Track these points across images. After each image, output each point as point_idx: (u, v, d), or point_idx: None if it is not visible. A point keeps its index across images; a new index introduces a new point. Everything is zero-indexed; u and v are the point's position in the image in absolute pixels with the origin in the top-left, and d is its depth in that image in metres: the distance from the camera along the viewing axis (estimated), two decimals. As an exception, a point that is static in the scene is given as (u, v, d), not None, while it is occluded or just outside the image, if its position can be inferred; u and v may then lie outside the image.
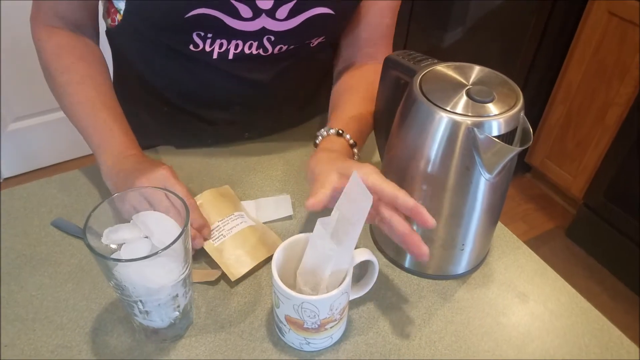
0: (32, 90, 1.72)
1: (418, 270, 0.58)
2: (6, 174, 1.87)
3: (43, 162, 1.92)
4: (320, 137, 0.59)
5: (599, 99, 1.59)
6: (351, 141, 0.59)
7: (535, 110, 1.78)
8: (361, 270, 0.52)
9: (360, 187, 0.44)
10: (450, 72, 0.51)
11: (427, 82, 0.50)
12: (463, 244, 0.55)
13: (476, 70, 0.51)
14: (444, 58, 0.54)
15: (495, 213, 0.56)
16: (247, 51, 0.61)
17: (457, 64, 0.52)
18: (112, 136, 0.57)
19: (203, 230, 0.55)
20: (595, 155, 1.64)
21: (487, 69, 0.51)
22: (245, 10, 0.56)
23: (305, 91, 0.76)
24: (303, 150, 0.74)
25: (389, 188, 0.46)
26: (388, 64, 0.58)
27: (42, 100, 1.76)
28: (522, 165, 1.95)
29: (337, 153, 0.55)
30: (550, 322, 0.54)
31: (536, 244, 1.69)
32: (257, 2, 0.56)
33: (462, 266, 0.58)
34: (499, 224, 0.62)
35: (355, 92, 0.66)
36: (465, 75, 0.50)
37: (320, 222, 0.46)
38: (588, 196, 1.66)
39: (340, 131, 0.58)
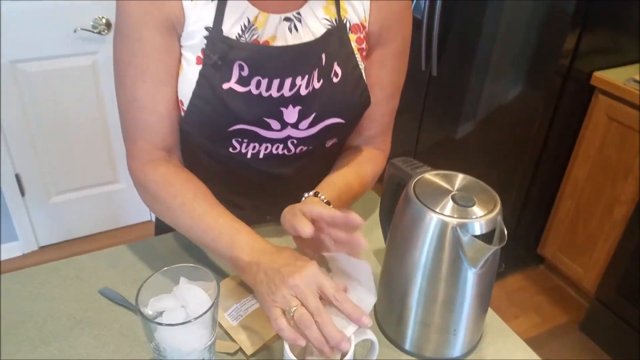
0: (70, 166, 1.92)
1: (417, 353, 0.64)
2: (43, 242, 2.02)
3: (78, 233, 2.07)
4: (303, 198, 0.71)
5: (605, 196, 1.66)
6: (325, 200, 0.70)
7: (545, 202, 1.84)
8: (363, 350, 0.59)
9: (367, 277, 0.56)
10: (438, 180, 0.62)
11: (420, 187, 0.61)
12: (455, 329, 0.62)
13: (460, 178, 0.62)
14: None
15: (484, 301, 0.63)
16: (274, 152, 0.74)
17: (445, 172, 0.63)
18: (239, 233, 0.64)
19: (341, 344, 0.52)
20: (605, 250, 1.68)
21: (469, 177, 0.62)
22: (275, 124, 0.70)
23: (319, 178, 0.88)
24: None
25: (327, 211, 0.60)
26: (391, 168, 0.69)
27: (81, 177, 1.96)
28: (535, 257, 1.98)
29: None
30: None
31: (549, 337, 1.67)
32: (285, 118, 0.70)
33: (457, 349, 0.64)
34: (491, 311, 0.69)
35: (347, 166, 0.79)
36: (451, 183, 0.61)
37: None
38: (600, 291, 1.67)
39: (317, 192, 0.71)
